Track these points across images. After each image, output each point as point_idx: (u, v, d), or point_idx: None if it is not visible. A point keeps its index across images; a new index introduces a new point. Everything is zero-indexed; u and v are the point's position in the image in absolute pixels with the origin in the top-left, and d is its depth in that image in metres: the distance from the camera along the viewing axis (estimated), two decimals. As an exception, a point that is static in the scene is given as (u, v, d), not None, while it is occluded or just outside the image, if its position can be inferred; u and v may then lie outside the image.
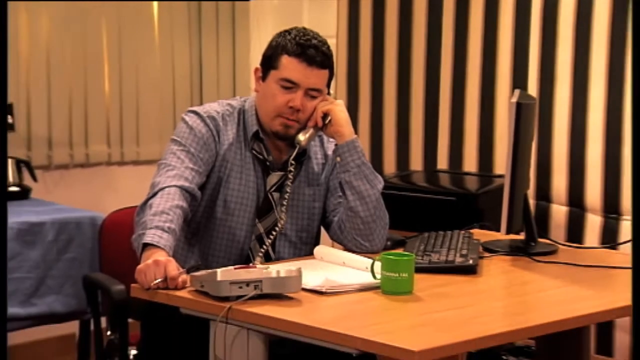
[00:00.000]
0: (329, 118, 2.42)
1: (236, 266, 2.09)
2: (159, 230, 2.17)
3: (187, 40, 3.93)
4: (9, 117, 3.24)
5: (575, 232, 3.50)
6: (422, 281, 2.17)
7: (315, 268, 2.28)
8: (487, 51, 3.68)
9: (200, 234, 2.45)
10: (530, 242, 2.56)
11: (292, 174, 2.44)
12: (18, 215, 2.99)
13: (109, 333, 2.47)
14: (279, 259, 2.47)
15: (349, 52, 4.02)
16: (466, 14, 3.72)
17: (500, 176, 3.48)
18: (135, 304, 2.27)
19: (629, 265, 2.43)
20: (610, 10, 3.38)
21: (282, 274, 2.04)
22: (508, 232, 2.45)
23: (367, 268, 2.20)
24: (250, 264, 2.32)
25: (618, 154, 3.40)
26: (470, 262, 2.32)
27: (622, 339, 3.43)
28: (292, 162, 2.44)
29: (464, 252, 2.37)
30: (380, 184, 2.48)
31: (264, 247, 2.44)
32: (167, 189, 2.28)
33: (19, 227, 2.95)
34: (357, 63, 4.01)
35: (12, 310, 2.92)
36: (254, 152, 2.45)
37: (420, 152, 3.88)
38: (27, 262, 2.95)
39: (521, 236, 2.58)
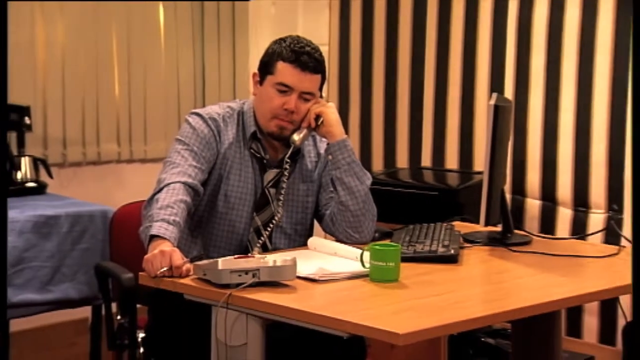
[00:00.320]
0: (321, 119, 2.42)
1: (236, 256, 2.08)
2: (165, 223, 2.16)
3: (190, 47, 3.92)
4: (27, 118, 3.22)
5: (547, 224, 3.50)
6: (407, 270, 2.17)
7: (309, 258, 2.27)
8: (467, 58, 3.68)
9: (202, 226, 2.44)
10: (507, 233, 2.56)
11: (287, 171, 2.43)
12: (35, 209, 2.98)
13: (119, 317, 2.47)
14: (275, 249, 2.46)
15: (340, 58, 4.02)
16: (448, 24, 3.72)
17: (479, 173, 3.48)
18: (143, 291, 2.27)
19: (597, 254, 2.44)
20: (579, 20, 3.38)
21: (279, 263, 2.04)
22: (486, 224, 2.45)
23: (356, 258, 2.20)
24: (249, 254, 2.32)
25: (587, 152, 3.41)
26: (452, 252, 2.31)
27: (590, 322, 3.44)
28: (287, 160, 2.43)
29: (446, 242, 2.37)
30: (368, 180, 2.48)
31: (262, 238, 2.44)
32: (172, 184, 2.27)
33: (36, 219, 2.93)
34: (348, 68, 4.00)
35: (30, 296, 2.91)
36: (252, 150, 2.44)
37: (406, 150, 3.88)
38: (43, 252, 2.94)
39: (498, 228, 2.58)
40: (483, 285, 2.28)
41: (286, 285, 2.05)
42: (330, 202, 2.49)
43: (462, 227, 2.67)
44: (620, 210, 3.33)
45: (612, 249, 2.51)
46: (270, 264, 2.03)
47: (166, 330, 2.38)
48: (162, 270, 2.08)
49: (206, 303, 2.05)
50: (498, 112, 2.41)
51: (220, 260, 2.02)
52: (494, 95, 2.46)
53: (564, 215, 3.47)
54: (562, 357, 2.74)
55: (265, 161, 2.45)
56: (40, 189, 3.24)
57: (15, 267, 2.88)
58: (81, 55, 3.60)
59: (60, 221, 2.97)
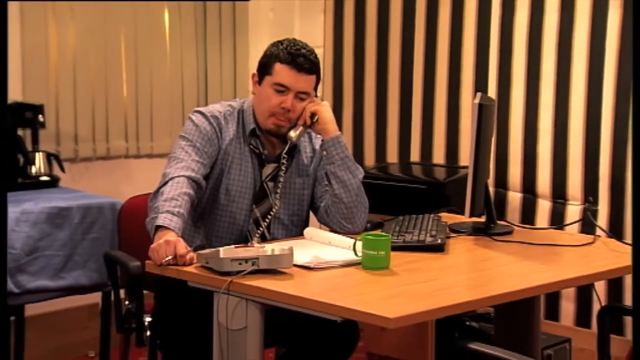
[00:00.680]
0: (317, 117, 2.41)
1: (236, 245, 2.08)
2: (170, 214, 2.16)
3: (194, 49, 3.91)
4: (40, 116, 3.21)
5: (528, 215, 3.50)
6: (397, 258, 2.17)
7: (305, 247, 2.27)
8: (453, 59, 3.67)
9: (205, 218, 2.44)
10: (490, 224, 2.55)
11: (284, 166, 2.43)
12: (49, 201, 2.97)
13: (127, 303, 2.46)
14: (273, 239, 2.46)
15: (334, 59, 4.01)
16: (435, 28, 3.71)
17: (465, 167, 3.48)
18: (150, 278, 2.26)
19: (574, 243, 2.44)
20: (557, 25, 3.38)
21: (276, 252, 2.03)
22: (471, 215, 2.44)
23: (350, 247, 2.19)
24: (249, 244, 2.31)
25: (564, 148, 3.41)
26: (439, 241, 2.31)
27: (566, 306, 3.44)
28: (285, 155, 2.42)
29: (434, 232, 2.36)
30: (360, 174, 2.47)
31: (261, 229, 2.43)
32: (176, 178, 2.26)
33: (49, 211, 2.92)
34: (341, 69, 3.99)
35: (44, 282, 2.90)
36: (251, 146, 2.44)
37: (396, 146, 3.87)
38: (56, 241, 2.93)
39: (482, 219, 2.57)
40: (468, 273, 2.27)
41: (283, 273, 2.05)
42: (324, 195, 2.49)
43: (449, 218, 2.66)
44: (595, 202, 3.33)
45: (587, 238, 2.50)
46: (269, 252, 2.03)
47: (171, 314, 2.38)
48: (167, 258, 2.07)
49: (208, 289, 2.04)
50: (482, 111, 2.41)
51: (221, 249, 2.02)
52: (478, 94, 2.45)
53: (543, 207, 3.47)
54: (541, 339, 2.74)
55: (263, 156, 2.44)
56: (53, 183, 3.23)
57: (30, 255, 2.87)
58: (91, 56, 3.59)
59: (72, 212, 2.96)
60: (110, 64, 3.64)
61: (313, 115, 2.41)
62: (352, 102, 3.97)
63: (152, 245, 2.12)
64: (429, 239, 2.31)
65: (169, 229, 2.14)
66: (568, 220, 3.34)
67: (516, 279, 2.13)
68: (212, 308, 2.04)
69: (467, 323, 3.07)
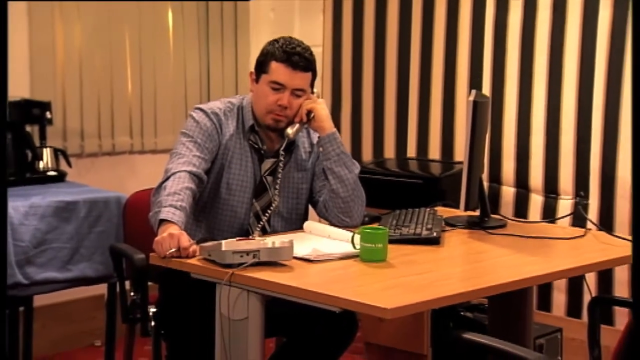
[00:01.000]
0: (313, 114, 2.41)
1: (238, 238, 2.07)
2: (173, 208, 2.15)
3: (196, 47, 3.90)
4: (48, 113, 3.20)
5: (521, 209, 3.50)
6: (394, 251, 2.16)
7: (305, 240, 2.26)
8: (449, 57, 3.66)
9: (206, 212, 2.43)
10: (484, 217, 2.55)
11: (282, 162, 2.42)
12: (56, 195, 2.96)
13: (132, 294, 2.45)
14: (273, 232, 2.45)
15: (333, 57, 4.00)
16: (431, 27, 3.70)
17: (460, 162, 3.47)
18: (154, 270, 2.26)
19: (565, 236, 2.43)
20: (550, 23, 3.37)
21: (277, 245, 2.03)
22: (466, 209, 2.44)
23: (348, 240, 2.19)
24: (250, 237, 2.31)
25: (557, 143, 3.40)
26: (435, 234, 2.31)
27: (558, 297, 3.44)
28: (282, 152, 2.42)
29: (429, 226, 2.36)
30: (357, 169, 2.47)
31: (261, 222, 2.43)
32: (178, 173, 2.26)
33: (56, 205, 2.92)
34: (340, 67, 3.99)
35: (52, 274, 2.90)
36: (250, 142, 2.43)
37: (393, 142, 3.87)
38: (63, 234, 2.92)
39: (477, 213, 2.57)
40: (463, 265, 2.27)
41: (284, 265, 2.04)
42: (323, 190, 2.48)
43: (444, 211, 2.66)
44: (586, 197, 3.33)
45: (579, 231, 2.50)
46: (270, 245, 2.02)
47: (175, 305, 2.38)
48: (170, 251, 2.07)
49: (211, 281, 2.04)
50: (477, 107, 2.40)
51: (223, 242, 2.01)
52: (473, 91, 2.44)
53: (536, 201, 3.47)
54: (533, 328, 2.74)
55: (262, 151, 2.44)
56: (60, 177, 3.22)
57: (38, 248, 2.86)
58: (97, 55, 3.58)
59: (78, 206, 2.95)
60: (115, 62, 3.63)
61: (309, 112, 2.40)
62: (350, 99, 3.97)
63: (156, 238, 2.12)
64: (425, 232, 2.31)
65: (172, 222, 2.13)
66: (560, 213, 3.34)
67: (509, 271, 2.12)
68: (215, 299, 2.03)
69: (462, 313, 3.07)
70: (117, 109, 3.66)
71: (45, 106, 3.20)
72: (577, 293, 3.37)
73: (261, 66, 2.40)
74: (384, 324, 3.35)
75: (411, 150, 3.80)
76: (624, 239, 2.40)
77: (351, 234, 2.17)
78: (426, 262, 2.16)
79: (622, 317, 3.18)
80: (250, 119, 2.43)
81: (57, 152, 3.24)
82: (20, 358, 3.08)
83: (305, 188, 2.50)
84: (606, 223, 3.21)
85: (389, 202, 3.02)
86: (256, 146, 2.43)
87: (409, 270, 2.08)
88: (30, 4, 3.39)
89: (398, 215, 2.49)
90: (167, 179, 2.26)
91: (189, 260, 2.08)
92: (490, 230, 2.46)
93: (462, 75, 3.63)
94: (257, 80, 2.41)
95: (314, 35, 4.01)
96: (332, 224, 2.45)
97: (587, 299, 3.19)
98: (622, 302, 2.76)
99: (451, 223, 2.52)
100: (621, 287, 3.25)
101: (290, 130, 2.40)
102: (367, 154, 3.92)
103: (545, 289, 3.43)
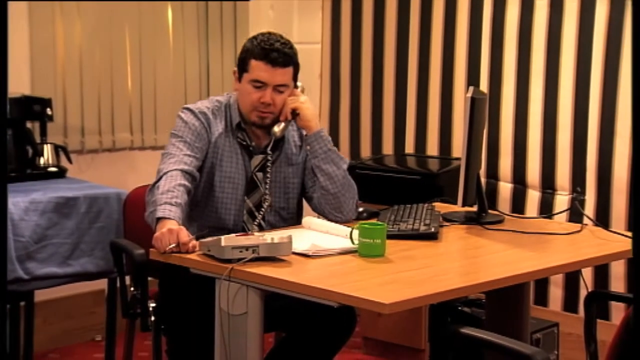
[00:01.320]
0: (298, 112, 2.40)
1: (237, 234, 2.07)
2: (168, 205, 2.15)
3: (196, 45, 3.89)
4: (48, 109, 3.19)
5: (518, 204, 3.50)
6: (392, 246, 2.16)
7: (303, 235, 2.26)
8: (446, 54, 3.66)
9: (200, 210, 2.43)
10: (482, 213, 2.55)
11: (270, 162, 2.42)
12: (56, 191, 2.96)
13: (132, 289, 2.45)
14: (269, 227, 2.45)
15: (332, 55, 3.99)
16: (429, 24, 3.70)
17: (457, 159, 3.47)
18: (154, 265, 2.26)
19: (562, 232, 2.43)
20: (547, 20, 3.37)
21: (276, 240, 2.02)
22: (463, 204, 2.44)
23: (346, 235, 2.18)
24: (249, 232, 2.31)
25: (553, 139, 3.40)
26: (432, 229, 2.30)
27: (555, 292, 3.44)
28: (269, 151, 2.42)
29: (427, 221, 2.36)
30: (345, 164, 2.45)
31: (257, 220, 2.42)
32: (169, 172, 2.26)
33: (57, 200, 2.91)
34: (339, 64, 3.98)
35: (53, 269, 2.89)
36: (238, 139, 2.43)
37: (391, 138, 3.86)
38: (64, 230, 2.91)
39: (474, 208, 2.57)
40: (460, 260, 2.27)
41: (283, 260, 2.04)
42: (315, 186, 2.48)
43: (442, 207, 2.66)
44: (583, 192, 3.32)
45: (575, 226, 2.50)
46: (269, 241, 2.02)
47: (174, 300, 2.37)
48: (170, 246, 2.06)
49: (210, 276, 2.04)
50: (474, 104, 2.40)
51: (223, 237, 2.01)
52: (471, 88, 2.44)
53: (533, 197, 3.46)
54: (530, 323, 2.74)
55: (251, 148, 2.44)
56: (60, 173, 3.21)
57: (38, 243, 2.86)
58: (97, 52, 3.57)
59: (79, 202, 2.95)
60: (115, 59, 3.62)
61: (294, 111, 2.39)
62: (349, 96, 3.96)
63: (155, 234, 2.12)
64: (423, 228, 2.30)
65: (169, 219, 2.13)
66: (557, 209, 3.33)
67: (507, 266, 2.12)
68: (214, 294, 2.03)
69: (460, 308, 3.07)
70: (117, 105, 3.65)
71: (46, 102, 3.19)
72: (573, 288, 3.36)
73: (242, 64, 2.39)
74: (382, 318, 3.34)
75: (409, 147, 3.80)
76: (620, 234, 2.39)
77: (350, 229, 2.17)
78: (424, 258, 2.16)
79: (618, 312, 3.18)
80: (236, 116, 2.42)
81: (57, 149, 3.23)
82: (21, 353, 3.08)
83: (297, 182, 2.49)
84: (603, 219, 3.21)
85: (387, 198, 3.02)
86: (244, 143, 2.43)
87: (407, 265, 2.08)
88: (31, 3, 3.38)
89: (396, 210, 2.49)
90: (160, 178, 2.26)
91: (188, 256, 2.08)
92: (487, 226, 2.46)
93: (459, 72, 3.62)
94: (239, 79, 2.41)
95: (312, 32, 4.00)
96: (327, 219, 2.44)
97: (583, 293, 3.18)
98: (618, 297, 2.77)
99: (449, 219, 2.52)
100: (617, 282, 3.25)
101: (276, 129, 2.39)
102: (366, 150, 3.92)
103: (542, 284, 3.43)
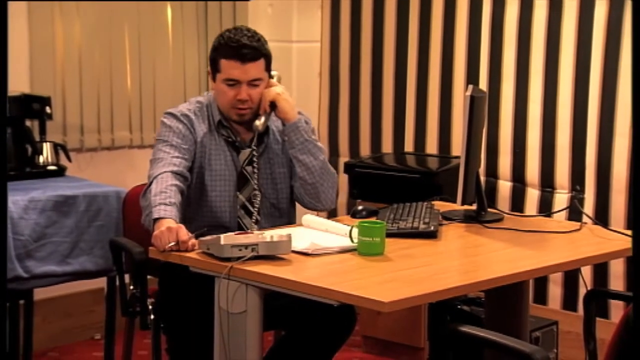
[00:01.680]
0: (276, 104, 2.39)
1: (236, 232, 2.07)
2: (163, 205, 2.16)
3: (195, 44, 3.89)
4: (48, 108, 3.19)
5: (517, 203, 3.50)
6: (391, 244, 2.16)
7: (303, 234, 2.26)
8: (446, 53, 3.66)
9: (194, 210, 2.43)
10: (481, 211, 2.54)
11: (255, 157, 2.42)
12: (55, 190, 2.96)
13: (131, 287, 2.45)
14: (264, 219, 2.44)
15: (331, 53, 3.99)
16: (428, 23, 3.69)
17: (457, 157, 3.47)
18: (153, 264, 2.26)
19: (561, 230, 2.43)
20: (546, 19, 3.36)
21: (275, 239, 2.02)
22: (463, 203, 2.44)
23: (346, 234, 2.18)
24: (248, 230, 2.30)
25: (553, 138, 3.40)
26: (432, 228, 2.30)
27: (554, 290, 3.44)
28: (254, 147, 2.42)
29: (427, 220, 2.35)
30: (322, 155, 2.45)
31: (253, 216, 2.42)
32: (160, 175, 2.27)
33: (56, 199, 2.91)
34: (338, 62, 3.98)
35: (52, 268, 2.89)
36: (223, 136, 2.43)
37: (390, 137, 3.86)
38: (63, 228, 2.91)
39: (473, 207, 2.56)
40: (459, 258, 2.27)
41: (282, 259, 2.04)
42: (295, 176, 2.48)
43: (441, 206, 2.65)
44: (582, 191, 3.32)
45: (574, 225, 2.50)
46: (268, 239, 2.02)
47: (174, 299, 2.37)
48: (170, 244, 2.06)
49: (210, 274, 2.04)
50: (474, 102, 2.39)
51: (222, 236, 2.01)
52: (470, 86, 2.44)
53: (532, 195, 3.46)
54: (529, 322, 2.74)
55: (237, 143, 2.44)
56: (60, 172, 3.21)
57: (38, 241, 2.86)
58: (96, 51, 3.57)
59: (78, 201, 2.94)
60: (114, 58, 3.62)
61: (272, 102, 2.39)
62: (348, 94, 3.96)
63: (154, 233, 2.12)
64: (422, 226, 2.30)
65: (166, 218, 2.13)
66: (556, 208, 3.33)
67: (506, 265, 2.12)
68: (213, 293, 2.03)
69: (459, 307, 3.07)
70: (117, 104, 3.65)
71: (45, 101, 3.19)
72: (572, 286, 3.36)
73: (213, 65, 2.40)
74: (381, 317, 3.34)
75: (409, 145, 3.80)
76: (619, 232, 2.39)
77: (349, 227, 2.17)
78: (423, 256, 2.16)
79: (617, 310, 3.18)
80: (217, 114, 2.43)
81: (56, 147, 3.23)
82: (20, 351, 3.07)
83: (285, 172, 2.49)
84: (602, 217, 3.21)
85: (386, 197, 3.02)
86: (230, 139, 2.43)
87: (407, 263, 2.08)
88: (30, 1, 3.38)
89: (396, 209, 2.49)
90: (151, 183, 2.27)
91: (188, 254, 2.08)
92: (486, 224, 2.46)
93: (459, 71, 3.62)
94: (213, 79, 2.42)
95: (312, 30, 4.00)
96: (306, 208, 2.44)
97: (582, 292, 3.18)
98: (617, 295, 2.77)
99: (448, 217, 2.52)
100: (616, 281, 3.25)
101: (258, 123, 2.39)
102: (365, 149, 3.92)
103: (541, 282, 3.43)
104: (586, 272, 3.24)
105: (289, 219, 2.49)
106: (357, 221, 2.20)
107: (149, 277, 2.42)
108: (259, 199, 2.42)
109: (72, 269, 2.94)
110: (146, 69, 3.72)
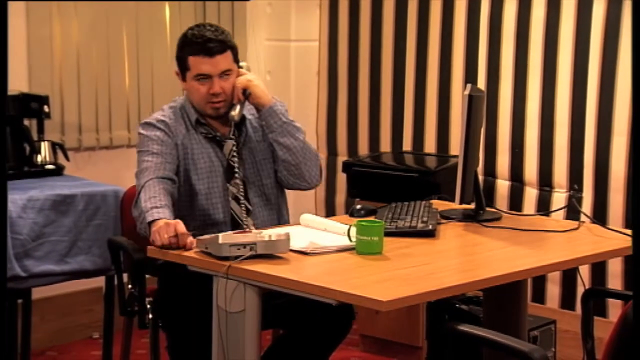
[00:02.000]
0: (249, 91, 2.39)
1: (235, 231, 2.07)
2: (155, 208, 2.17)
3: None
4: (46, 107, 3.18)
5: (516, 202, 3.50)
6: (389, 243, 2.16)
7: (301, 233, 2.26)
8: (444, 52, 3.66)
9: (187, 212, 2.42)
10: (480, 210, 2.54)
11: (235, 147, 2.43)
12: (54, 189, 2.95)
13: (129, 287, 2.45)
14: (256, 208, 2.44)
15: (330, 53, 3.99)
16: (426, 22, 3.69)
17: (455, 156, 3.47)
18: (151, 263, 2.26)
19: (559, 229, 2.43)
20: (544, 18, 3.37)
21: (273, 238, 2.02)
22: (461, 202, 2.44)
23: (344, 233, 2.18)
24: (246, 229, 2.30)
25: (551, 137, 3.40)
26: (430, 227, 2.30)
27: (552, 289, 3.44)
28: (232, 137, 2.42)
29: (425, 219, 2.35)
30: (301, 135, 2.46)
31: (242, 204, 2.41)
32: (146, 183, 2.29)
33: (54, 198, 2.91)
34: (336, 62, 3.98)
35: (50, 267, 2.89)
36: (202, 134, 2.43)
37: (389, 136, 3.86)
38: (61, 227, 2.91)
39: (472, 206, 2.56)
40: (458, 257, 2.27)
41: (280, 258, 2.04)
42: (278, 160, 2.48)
43: (439, 205, 2.65)
44: (580, 190, 3.32)
45: (573, 224, 2.50)
46: (266, 238, 2.02)
47: (172, 298, 2.37)
48: (170, 236, 2.07)
49: (208, 274, 2.04)
50: (472, 101, 2.40)
51: (220, 235, 2.01)
52: (468, 86, 2.44)
53: (530, 194, 3.46)
54: (527, 320, 2.74)
55: (218, 138, 2.44)
56: (58, 171, 3.21)
57: (36, 241, 2.85)
58: (94, 50, 3.57)
59: (76, 200, 2.94)
60: (113, 57, 3.62)
61: (245, 90, 2.40)
62: (346, 93, 3.96)
63: (153, 229, 2.12)
64: (420, 225, 2.30)
65: (161, 219, 2.13)
66: (554, 207, 3.34)
67: (504, 264, 2.12)
68: (212, 292, 2.03)
69: (457, 306, 3.07)
70: (115, 103, 3.65)
71: (43, 100, 3.18)
72: (570, 285, 3.37)
73: (182, 63, 2.41)
74: (379, 316, 3.34)
75: (407, 144, 3.80)
76: (617, 231, 2.39)
77: (348, 227, 2.17)
78: (422, 255, 2.16)
79: (615, 309, 3.18)
80: (193, 113, 2.44)
81: (54, 146, 3.23)
82: (18, 350, 3.07)
83: (268, 159, 2.50)
84: (600, 216, 3.21)
85: (384, 196, 3.02)
86: (210, 135, 2.44)
87: (405, 262, 2.08)
88: (29, 1, 3.38)
89: (394, 208, 2.49)
90: (139, 192, 2.28)
91: (186, 253, 2.08)
92: (485, 223, 2.46)
93: (457, 70, 3.62)
94: (183, 78, 2.43)
95: (310, 30, 4.00)
96: (291, 188, 2.46)
97: (580, 291, 3.18)
98: (615, 294, 2.77)
99: (446, 216, 2.52)
100: (614, 280, 3.25)
101: (233, 113, 2.40)
102: (363, 148, 3.92)
103: (539, 281, 3.43)
104: (584, 271, 3.24)
105: (279, 205, 2.50)
106: (355, 220, 2.20)
107: (147, 276, 2.42)
108: (247, 187, 2.42)
109: (70, 268, 2.94)
110: (144, 68, 3.72)
